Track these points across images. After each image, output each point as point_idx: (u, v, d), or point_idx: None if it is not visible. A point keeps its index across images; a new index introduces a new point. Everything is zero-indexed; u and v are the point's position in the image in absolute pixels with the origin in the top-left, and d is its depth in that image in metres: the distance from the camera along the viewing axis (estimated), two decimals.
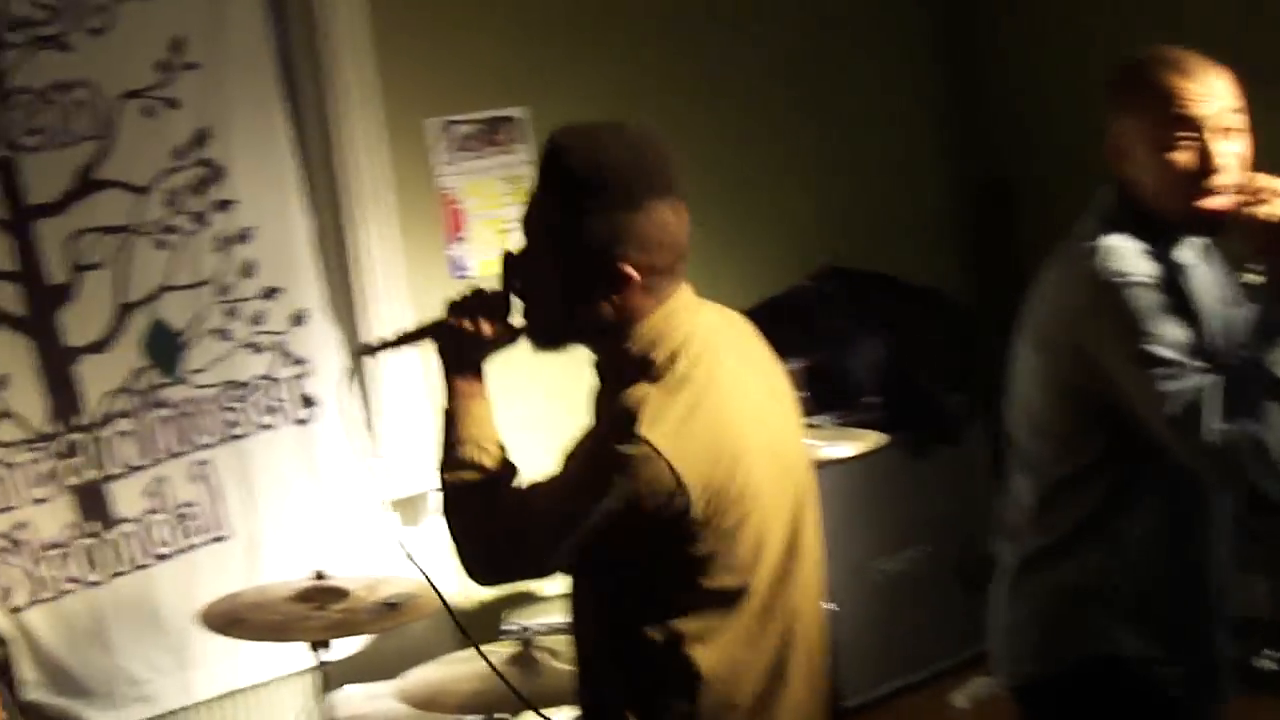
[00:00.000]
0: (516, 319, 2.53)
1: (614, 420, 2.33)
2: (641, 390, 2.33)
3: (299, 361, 4.48)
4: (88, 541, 4.19)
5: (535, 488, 2.47)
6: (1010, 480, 2.99)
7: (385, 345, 2.70)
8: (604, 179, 2.36)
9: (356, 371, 2.46)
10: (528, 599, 4.57)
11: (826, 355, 5.10)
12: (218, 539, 4.36)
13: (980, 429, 5.25)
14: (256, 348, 4.43)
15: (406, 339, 2.65)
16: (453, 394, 2.53)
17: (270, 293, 4.45)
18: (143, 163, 4.28)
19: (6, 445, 4.09)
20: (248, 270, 4.42)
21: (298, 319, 4.47)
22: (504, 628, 4.30)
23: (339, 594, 3.60)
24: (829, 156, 5.66)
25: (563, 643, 3.29)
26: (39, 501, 4.13)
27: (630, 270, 2.36)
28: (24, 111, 4.12)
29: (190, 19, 4.34)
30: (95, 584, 4.19)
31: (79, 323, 4.19)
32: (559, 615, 3.57)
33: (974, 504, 5.01)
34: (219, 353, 4.38)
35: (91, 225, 4.21)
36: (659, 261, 2.39)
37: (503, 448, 2.52)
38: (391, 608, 3.54)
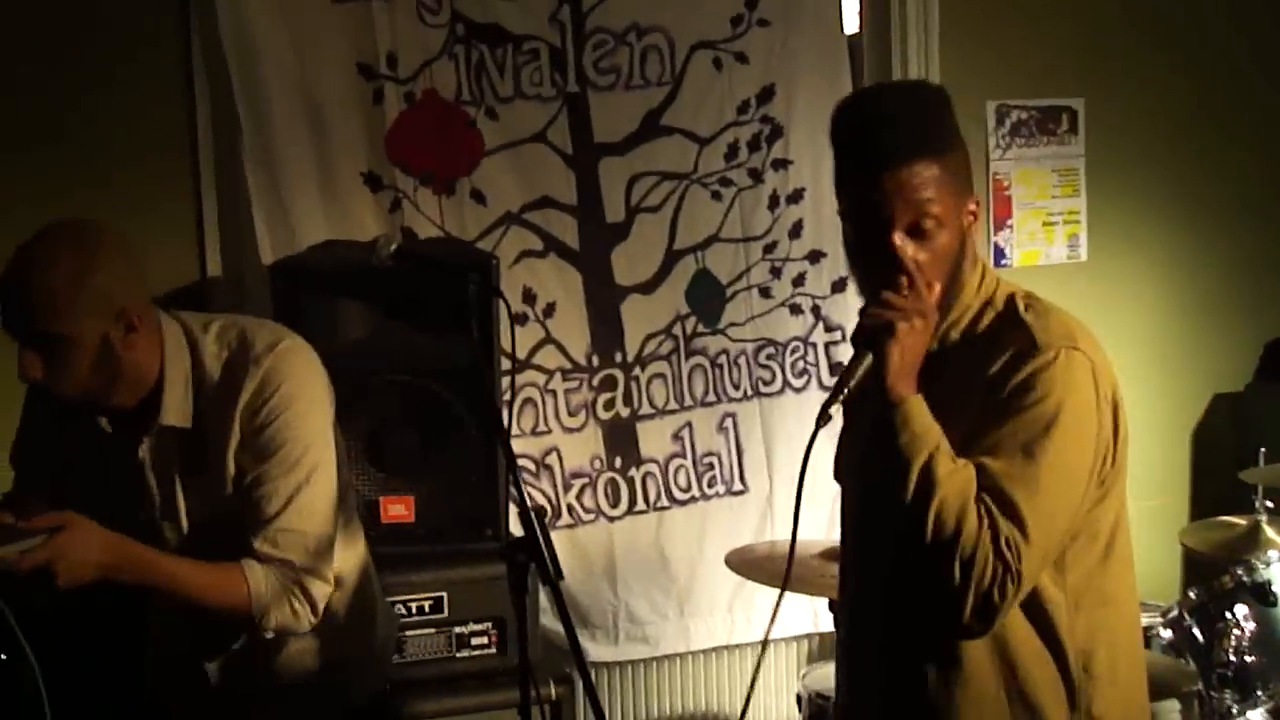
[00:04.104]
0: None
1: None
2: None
3: (833, 328, 4.43)
4: (612, 475, 4.24)
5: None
6: None
7: (841, 389, 2.30)
8: None
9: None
10: None
11: None
12: (735, 493, 4.36)
13: None
14: (795, 309, 4.41)
15: (853, 371, 2.28)
16: (904, 400, 2.20)
17: (815, 256, 4.42)
18: (707, 114, 4.32)
19: (548, 372, 4.19)
20: (796, 231, 4.40)
21: (838, 285, 4.43)
22: None
23: None
24: None
25: None
26: (570, 430, 4.22)
27: None
28: (600, 51, 4.20)
29: None
30: (613, 518, 4.25)
31: (629, 263, 4.26)
32: None
33: None
34: (759, 309, 4.38)
35: (652, 169, 4.27)
36: None
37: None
38: None
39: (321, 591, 2.64)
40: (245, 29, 3.85)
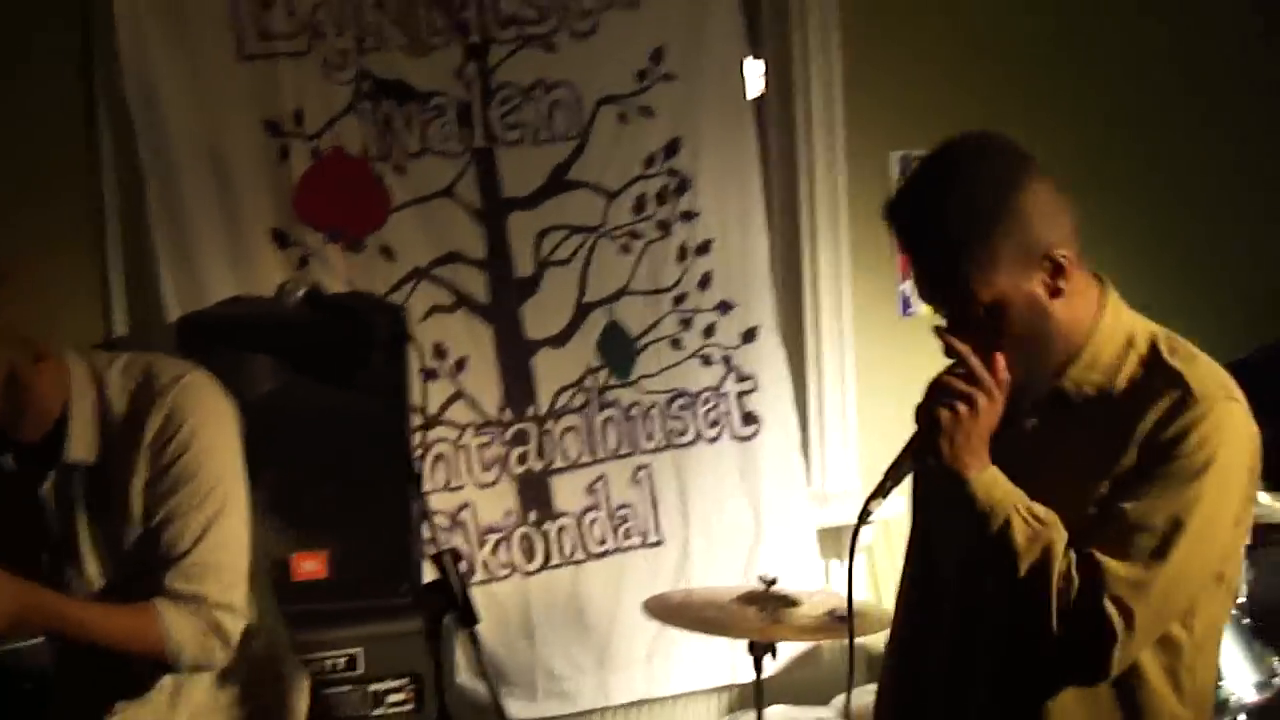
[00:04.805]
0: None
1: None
2: None
3: (745, 378, 4.45)
4: (526, 530, 4.23)
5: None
6: None
7: (885, 486, 2.31)
8: None
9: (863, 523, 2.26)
10: None
11: None
12: (651, 544, 4.35)
13: None
14: (706, 359, 4.43)
15: (902, 467, 2.31)
16: (967, 481, 2.19)
17: (725, 307, 4.44)
18: (615, 167, 4.35)
19: (459, 427, 4.17)
20: (705, 282, 4.43)
21: (749, 335, 4.46)
22: None
23: (787, 600, 3.52)
24: None
25: None
26: (484, 486, 4.20)
27: None
28: (507, 106, 4.22)
29: (671, 30, 4.40)
30: (529, 573, 4.23)
31: (539, 316, 4.27)
32: None
33: None
34: (670, 360, 4.39)
35: (561, 223, 4.29)
36: None
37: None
38: (840, 620, 3.43)
39: (235, 626, 2.60)
40: (150, 86, 3.83)
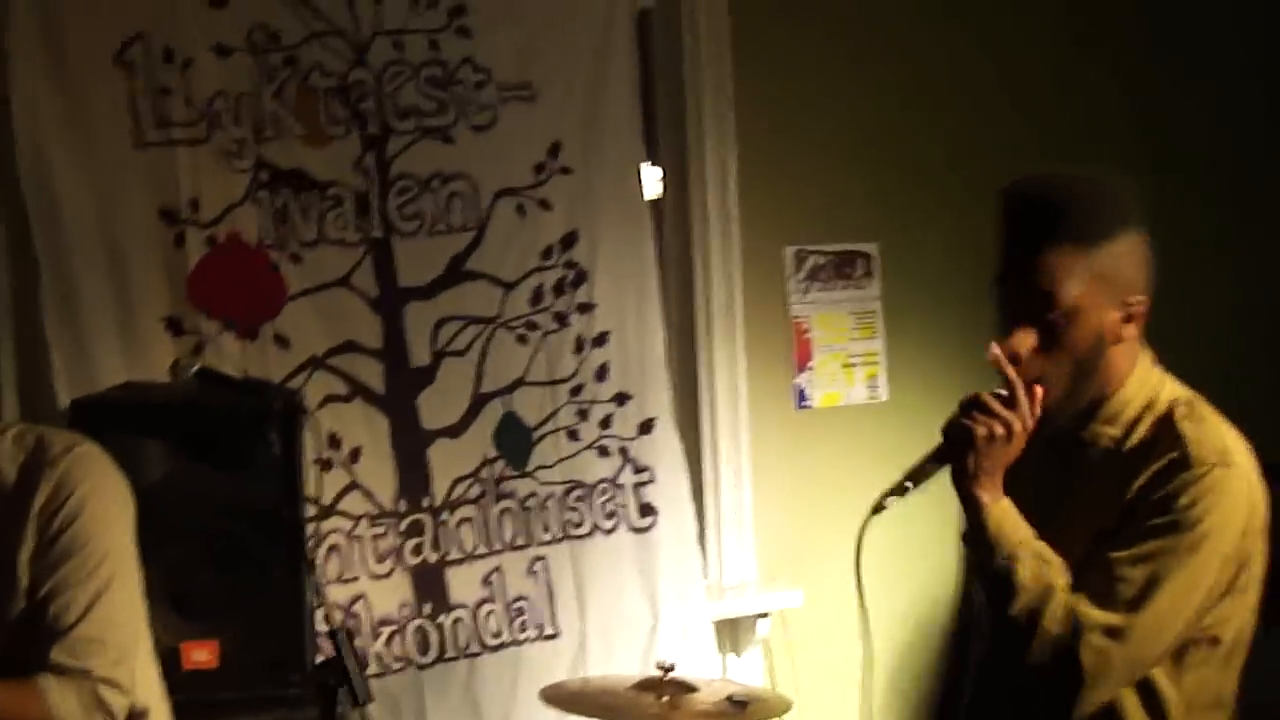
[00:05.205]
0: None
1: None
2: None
3: (642, 469, 4.46)
4: (421, 622, 4.18)
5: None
6: None
7: (903, 485, 2.40)
8: None
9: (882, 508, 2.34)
10: None
11: None
12: (547, 636, 4.32)
13: None
14: (603, 450, 4.43)
15: (924, 470, 2.40)
16: (982, 508, 2.31)
17: (622, 398, 4.46)
18: (512, 259, 4.36)
19: (354, 518, 4.13)
20: (601, 374, 4.44)
21: (645, 427, 4.47)
22: None
23: (685, 687, 3.51)
24: None
25: None
26: (378, 577, 4.16)
27: None
28: (405, 197, 4.23)
29: (569, 126, 4.44)
30: (423, 666, 4.18)
31: (435, 406, 4.25)
32: None
33: None
34: (566, 451, 4.39)
35: (458, 313, 4.29)
36: None
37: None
38: (740, 705, 3.42)
39: (121, 704, 2.54)
40: (45, 172, 3.80)
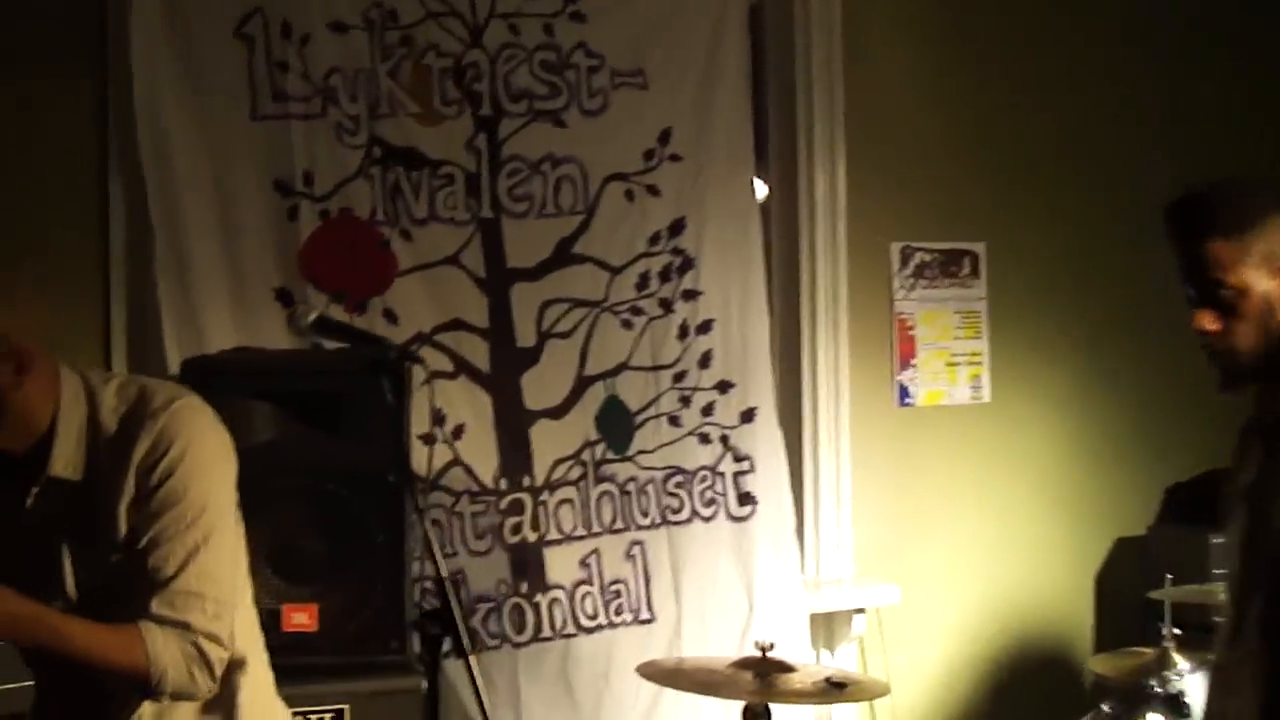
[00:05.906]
0: None
1: None
2: None
3: (742, 458, 4.44)
4: (517, 600, 4.19)
5: None
6: None
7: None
8: None
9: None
10: None
11: None
12: (643, 621, 4.31)
13: None
14: (704, 438, 4.42)
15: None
16: None
17: (724, 386, 4.45)
18: (619, 243, 4.37)
19: (455, 494, 4.14)
20: (705, 361, 4.44)
21: (747, 416, 4.45)
22: None
23: (783, 667, 3.48)
24: None
25: None
26: (477, 554, 4.17)
27: None
28: (515, 179, 4.25)
29: (679, 113, 4.45)
30: (518, 645, 4.18)
31: (539, 387, 4.26)
32: None
33: None
34: (668, 437, 4.38)
35: (564, 296, 4.30)
36: None
37: None
38: (837, 686, 3.40)
39: (219, 656, 2.53)
40: (163, 139, 3.86)
